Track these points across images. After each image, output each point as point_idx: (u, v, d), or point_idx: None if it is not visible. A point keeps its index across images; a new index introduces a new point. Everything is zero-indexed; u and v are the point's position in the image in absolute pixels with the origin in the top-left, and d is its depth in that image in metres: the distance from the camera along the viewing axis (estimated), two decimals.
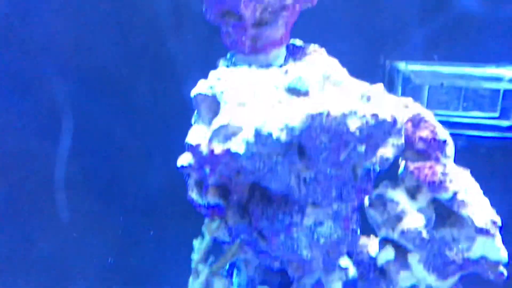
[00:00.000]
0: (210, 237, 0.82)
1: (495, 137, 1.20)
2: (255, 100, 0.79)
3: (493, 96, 1.22)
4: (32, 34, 0.97)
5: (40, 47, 1.04)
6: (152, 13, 1.20)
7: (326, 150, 0.76)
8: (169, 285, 1.00)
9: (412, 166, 0.84)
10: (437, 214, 0.84)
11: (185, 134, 0.85)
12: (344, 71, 0.85)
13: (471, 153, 1.21)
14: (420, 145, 0.84)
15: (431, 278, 0.76)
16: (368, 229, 0.90)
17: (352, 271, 0.87)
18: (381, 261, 0.86)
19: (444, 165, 0.83)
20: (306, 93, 0.79)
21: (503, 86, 1.17)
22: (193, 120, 0.87)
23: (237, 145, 0.76)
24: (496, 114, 1.19)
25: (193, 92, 0.84)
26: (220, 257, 0.84)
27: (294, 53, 0.93)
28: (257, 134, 0.75)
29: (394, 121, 0.78)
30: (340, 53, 1.21)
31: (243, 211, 0.84)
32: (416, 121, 0.84)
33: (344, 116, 0.76)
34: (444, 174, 0.82)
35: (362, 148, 0.77)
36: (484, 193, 0.84)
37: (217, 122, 0.79)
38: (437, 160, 0.83)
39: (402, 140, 0.82)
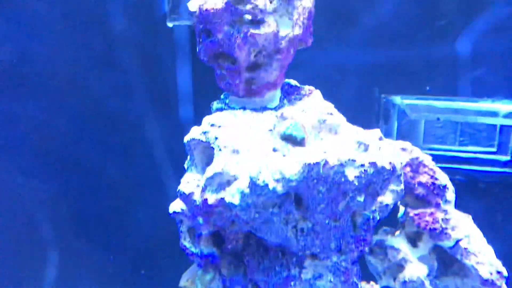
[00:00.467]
0: None
1: (493, 172, 1.18)
2: (249, 147, 0.78)
3: (490, 130, 1.20)
4: (27, 74, 0.94)
5: (34, 86, 1.07)
6: (144, 51, 1.18)
7: (324, 201, 0.74)
8: None
9: (412, 212, 0.81)
10: (439, 262, 0.81)
11: (178, 175, 0.83)
12: (339, 115, 0.83)
13: (470, 188, 1.19)
14: (420, 191, 0.81)
15: None
16: (368, 274, 0.87)
17: None
18: None
19: (445, 211, 0.80)
20: (302, 141, 0.77)
21: (499, 121, 1.15)
22: (186, 165, 0.85)
23: (232, 195, 0.73)
24: (494, 149, 1.16)
25: (186, 138, 0.83)
26: None
27: (289, 93, 0.91)
28: (252, 184, 0.73)
29: (393, 168, 0.75)
30: (336, 86, 1.20)
31: (238, 261, 0.80)
32: (415, 166, 0.82)
33: (342, 165, 0.74)
34: (445, 220, 0.79)
35: (361, 197, 0.74)
36: (483, 227, 0.82)
37: (210, 170, 0.77)
38: (437, 206, 0.80)
39: (402, 186, 0.79)
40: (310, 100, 0.87)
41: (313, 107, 0.83)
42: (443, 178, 0.80)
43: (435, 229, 0.78)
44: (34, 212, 1.02)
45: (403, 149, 0.83)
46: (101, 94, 0.96)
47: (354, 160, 0.74)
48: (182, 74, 1.16)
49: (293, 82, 0.96)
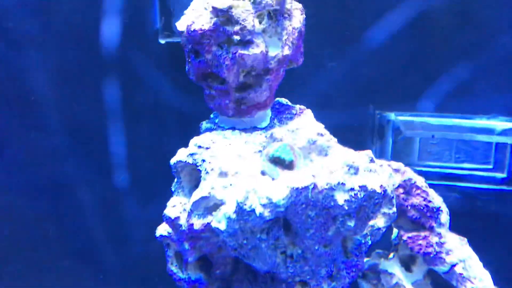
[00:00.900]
0: None
1: (490, 189, 1.16)
2: (238, 169, 0.76)
3: (486, 148, 1.18)
4: (17, 91, 0.93)
5: (22, 103, 1.04)
6: (135, 68, 1.18)
7: (313, 226, 0.72)
8: None
9: (405, 235, 0.79)
10: (434, 287, 0.79)
11: (165, 198, 0.82)
12: (330, 136, 0.81)
13: (466, 206, 1.17)
14: (413, 213, 0.79)
15: None
16: None
17: None
18: None
19: (439, 235, 0.78)
20: (290, 164, 0.75)
21: (495, 139, 1.13)
22: (173, 188, 0.83)
23: (218, 221, 0.72)
24: (490, 166, 1.14)
25: (172, 160, 0.81)
26: None
27: (280, 112, 0.89)
28: (239, 209, 0.71)
29: (384, 192, 0.73)
30: (330, 103, 1.18)
31: (227, 286, 0.78)
32: (408, 187, 0.80)
33: (331, 189, 0.72)
34: (439, 244, 0.77)
35: (351, 221, 0.72)
36: (480, 248, 0.81)
37: (197, 194, 0.75)
38: (431, 229, 0.78)
39: (394, 209, 0.78)
40: (301, 119, 0.85)
41: (304, 128, 0.82)
42: (436, 200, 0.79)
43: (429, 253, 0.77)
44: (21, 230, 1.00)
45: (396, 170, 0.81)
46: (88, 112, 0.93)
47: (343, 184, 0.72)
48: (172, 92, 1.14)
49: (284, 101, 0.94)
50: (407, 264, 0.82)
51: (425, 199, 0.80)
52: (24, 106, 0.91)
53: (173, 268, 0.82)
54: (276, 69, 0.83)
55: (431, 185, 0.86)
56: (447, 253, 0.77)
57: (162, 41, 1.20)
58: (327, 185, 0.71)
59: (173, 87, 1.18)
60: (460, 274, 0.74)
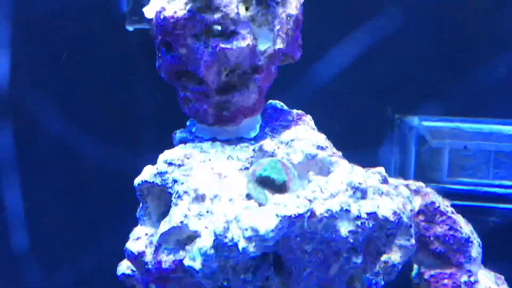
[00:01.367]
0: None
1: None
2: (218, 192, 0.76)
3: None
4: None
5: None
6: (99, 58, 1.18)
7: (311, 263, 0.72)
8: None
9: (427, 273, 0.80)
10: None
11: (129, 225, 0.83)
12: (333, 150, 0.82)
13: (507, 232, 1.17)
14: (437, 246, 0.80)
15: None
16: None
17: None
18: None
19: (469, 272, 0.79)
20: (282, 185, 0.75)
21: None
22: (138, 215, 0.83)
23: (192, 257, 0.72)
24: None
25: (137, 180, 0.81)
26: None
27: (272, 118, 0.90)
28: (218, 243, 0.71)
29: (400, 219, 0.74)
30: (336, 105, 1.18)
31: None
32: (430, 213, 0.81)
33: (333, 217, 0.72)
34: (469, 284, 0.77)
35: (358, 257, 0.73)
36: None
37: (166, 223, 0.75)
38: (459, 265, 0.79)
39: (413, 241, 0.78)
40: (299, 128, 0.85)
41: (301, 139, 0.82)
42: (465, 229, 0.79)
43: None
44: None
45: (415, 192, 0.82)
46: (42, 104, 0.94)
47: (348, 210, 0.71)
48: (142, 90, 1.14)
49: (279, 104, 0.95)
50: None
51: (451, 228, 0.80)
52: None
53: None
54: (267, 67, 0.84)
55: (463, 207, 0.86)
56: None
57: (130, 28, 1.20)
58: (327, 212, 0.71)
59: (142, 85, 1.18)
60: None
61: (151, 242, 0.76)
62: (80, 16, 1.09)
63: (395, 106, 1.16)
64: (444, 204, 0.78)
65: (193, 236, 0.73)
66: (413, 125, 1.17)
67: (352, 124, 1.01)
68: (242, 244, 0.70)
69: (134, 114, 1.13)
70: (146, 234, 0.78)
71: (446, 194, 0.86)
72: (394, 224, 0.73)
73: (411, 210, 0.79)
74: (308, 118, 0.89)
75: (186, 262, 0.71)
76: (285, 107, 0.90)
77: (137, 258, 0.76)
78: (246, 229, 0.69)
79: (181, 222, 0.73)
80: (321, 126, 0.88)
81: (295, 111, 0.88)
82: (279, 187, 0.73)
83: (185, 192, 0.75)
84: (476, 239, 0.76)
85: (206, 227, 0.71)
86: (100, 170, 1.13)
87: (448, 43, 1.08)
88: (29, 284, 1.12)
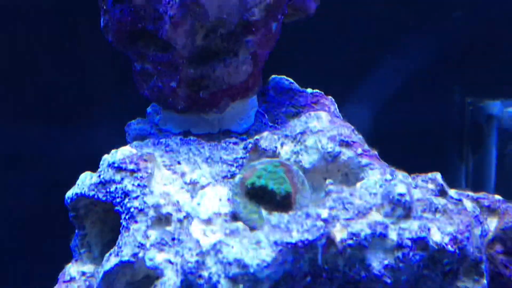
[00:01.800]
0: None
1: None
2: (189, 210, 0.76)
3: None
4: None
5: None
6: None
7: None
8: None
9: None
10: None
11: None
12: (364, 146, 0.81)
13: None
14: None
15: None
16: None
17: None
18: None
19: None
20: (285, 199, 0.74)
21: None
22: (71, 245, 0.84)
23: None
24: None
25: (69, 194, 0.81)
26: None
27: (276, 103, 0.90)
28: (189, 285, 0.70)
29: (463, 249, 0.73)
30: (380, 85, 1.18)
31: None
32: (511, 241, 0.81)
33: (361, 245, 0.71)
34: None
35: None
36: None
37: (113, 257, 0.74)
38: None
39: (484, 281, 0.77)
40: (314, 116, 0.85)
41: (318, 130, 0.82)
42: None
43: None
44: None
45: (488, 208, 0.82)
46: None
47: (384, 235, 0.72)
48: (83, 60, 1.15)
49: (287, 81, 0.95)
50: None
51: None
52: None
53: None
54: (264, 24, 0.83)
55: None
56: None
57: None
58: (352, 238, 0.70)
59: (84, 54, 1.19)
60: None
61: (89, 286, 0.76)
62: None
63: (465, 87, 1.17)
64: None
65: (152, 276, 0.73)
66: (492, 113, 1.18)
67: (399, 110, 1.01)
68: (224, 286, 0.69)
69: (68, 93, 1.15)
70: (84, 274, 0.78)
71: None
72: (454, 257, 0.73)
73: (482, 236, 0.78)
74: (329, 101, 0.89)
75: None
76: (295, 85, 0.90)
77: None
78: (230, 264, 0.68)
79: (135, 255, 0.73)
80: (349, 112, 0.89)
81: (310, 90, 0.89)
82: (281, 202, 0.73)
83: (141, 210, 0.75)
84: None
85: (171, 262, 0.71)
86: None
87: None
88: None
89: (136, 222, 0.75)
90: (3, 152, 1.17)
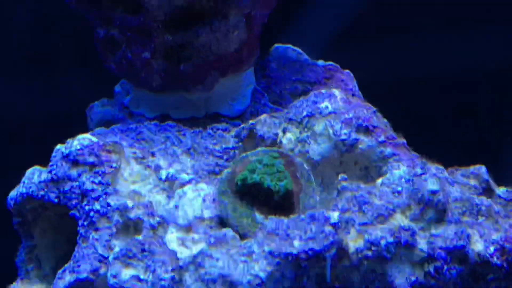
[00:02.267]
0: None
1: None
2: (164, 214, 0.77)
3: None
4: None
5: None
6: None
7: None
8: None
9: None
10: None
11: None
12: (388, 132, 0.82)
13: None
14: None
15: None
16: None
17: None
18: None
19: None
20: (285, 199, 0.75)
21: None
22: (17, 261, 0.86)
23: None
24: None
25: (12, 194, 0.83)
26: None
27: (279, 78, 0.91)
28: None
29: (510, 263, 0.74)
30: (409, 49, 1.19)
31: None
32: None
33: (381, 256, 0.72)
34: None
35: None
36: None
37: (68, 274, 0.76)
38: None
39: None
40: (326, 94, 0.86)
41: (330, 112, 0.83)
42: None
43: None
44: None
45: None
46: None
47: (411, 244, 0.72)
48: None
49: (293, 51, 0.95)
50: None
51: None
52: None
53: None
54: None
55: None
56: None
57: None
58: (369, 248, 0.71)
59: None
60: None
61: None
62: None
63: None
64: None
65: None
66: None
67: (435, 87, 1.01)
68: None
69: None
70: None
71: None
72: (501, 271, 0.73)
73: None
74: (346, 76, 0.90)
75: None
76: (304, 56, 0.92)
77: None
78: (214, 282, 0.69)
79: (95, 270, 0.74)
80: (371, 92, 0.91)
81: (322, 62, 0.91)
82: (280, 203, 0.74)
83: (104, 214, 0.75)
84: None
85: (140, 280, 0.72)
86: None
87: None
88: None
89: (96, 229, 0.75)
90: None
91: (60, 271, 0.75)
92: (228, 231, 0.73)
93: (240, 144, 0.81)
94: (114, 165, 0.79)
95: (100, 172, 0.79)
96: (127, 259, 0.74)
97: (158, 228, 0.76)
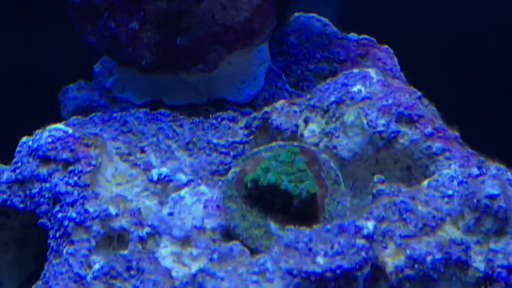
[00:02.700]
0: None
1: None
2: (156, 224, 0.78)
3: None
4: None
5: None
6: None
7: None
8: None
9: None
10: None
11: None
12: (437, 122, 0.83)
13: None
14: None
15: None
16: None
17: None
18: None
19: None
20: (307, 204, 0.76)
21: None
22: None
23: None
24: None
25: None
26: None
27: (299, 58, 0.92)
28: None
29: None
30: None
31: None
32: None
33: (426, 276, 0.73)
34: None
35: None
36: None
37: None
38: None
39: None
40: (359, 75, 0.86)
41: (364, 98, 0.83)
42: None
43: None
44: None
45: None
46: None
47: (464, 261, 0.72)
48: None
49: (317, 21, 0.97)
50: None
51: None
52: None
53: None
54: None
55: None
56: None
57: None
58: (412, 266, 0.71)
59: None
60: None
61: None
62: None
63: None
64: None
65: None
66: None
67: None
68: None
69: None
70: None
71: None
72: None
73: None
74: (385, 53, 0.92)
75: None
76: (332, 28, 0.93)
77: None
78: None
79: None
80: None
81: (354, 36, 0.94)
82: (300, 210, 0.75)
83: (81, 223, 0.76)
84: None
85: None
86: None
87: None
88: None
89: (72, 242, 0.76)
90: None
91: None
92: (236, 245, 0.72)
93: (251, 137, 0.82)
94: (93, 162, 0.79)
95: (76, 171, 0.79)
96: (109, 279, 0.74)
97: (148, 240, 0.76)
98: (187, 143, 0.76)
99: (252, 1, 0.79)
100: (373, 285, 0.72)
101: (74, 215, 0.79)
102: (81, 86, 0.84)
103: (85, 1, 0.80)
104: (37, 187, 0.80)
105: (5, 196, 0.79)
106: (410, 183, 0.78)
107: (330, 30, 0.88)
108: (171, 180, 0.80)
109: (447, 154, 0.79)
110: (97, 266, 0.76)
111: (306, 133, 0.76)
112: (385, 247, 0.73)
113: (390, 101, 0.80)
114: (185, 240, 0.76)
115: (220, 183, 0.79)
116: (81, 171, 0.79)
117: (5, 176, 0.80)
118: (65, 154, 0.80)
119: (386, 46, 0.88)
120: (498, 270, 0.73)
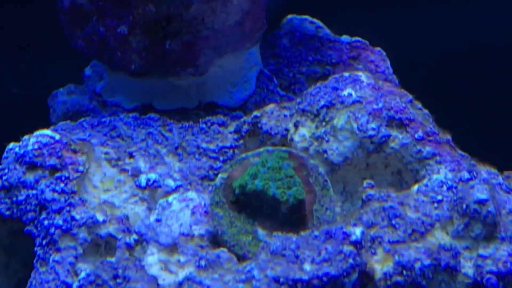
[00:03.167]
0: None
1: None
2: (143, 230, 0.78)
3: None
4: None
5: None
6: None
7: None
8: None
9: None
10: None
11: None
12: (428, 126, 0.82)
13: None
14: None
15: None
16: None
17: None
18: None
19: None
20: (295, 210, 0.76)
21: None
22: None
23: None
24: None
25: None
26: None
27: (291, 61, 0.92)
28: None
29: None
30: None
31: None
32: None
33: (415, 283, 0.73)
34: None
35: None
36: None
37: None
38: None
39: None
40: (349, 78, 0.86)
41: (354, 101, 0.83)
42: None
43: None
44: None
45: None
46: None
47: (453, 267, 0.72)
48: None
49: (310, 23, 0.97)
50: None
51: None
52: None
53: None
54: None
55: None
56: None
57: None
58: (401, 272, 0.71)
59: None
60: None
61: None
62: None
63: None
64: None
65: None
66: None
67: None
68: None
69: None
70: None
71: None
72: None
73: None
74: (377, 56, 0.91)
75: None
76: (325, 31, 0.93)
77: None
78: None
79: None
80: (408, 73, 0.92)
81: (347, 38, 0.93)
82: (288, 216, 0.75)
83: (68, 230, 0.76)
84: None
85: None
86: None
87: None
88: None
89: (58, 249, 0.76)
90: None
91: None
92: (223, 252, 0.72)
93: (241, 142, 0.81)
94: (81, 168, 0.79)
95: (63, 178, 0.79)
96: (95, 287, 0.74)
97: (136, 248, 0.76)
98: (176, 148, 0.76)
99: (242, 4, 0.79)
100: None
101: (60, 222, 0.78)
102: (71, 90, 0.84)
103: (74, 5, 0.79)
104: (23, 194, 0.79)
105: None
106: (401, 187, 0.78)
107: (323, 32, 0.87)
108: (159, 186, 0.79)
109: (438, 158, 0.78)
110: (83, 274, 0.76)
111: (296, 138, 0.76)
112: (374, 253, 0.73)
113: (380, 105, 0.79)
114: (172, 247, 0.76)
115: (210, 188, 0.78)
116: (68, 177, 0.79)
117: None
118: (52, 161, 0.80)
119: (378, 48, 0.86)
120: (488, 276, 0.73)
